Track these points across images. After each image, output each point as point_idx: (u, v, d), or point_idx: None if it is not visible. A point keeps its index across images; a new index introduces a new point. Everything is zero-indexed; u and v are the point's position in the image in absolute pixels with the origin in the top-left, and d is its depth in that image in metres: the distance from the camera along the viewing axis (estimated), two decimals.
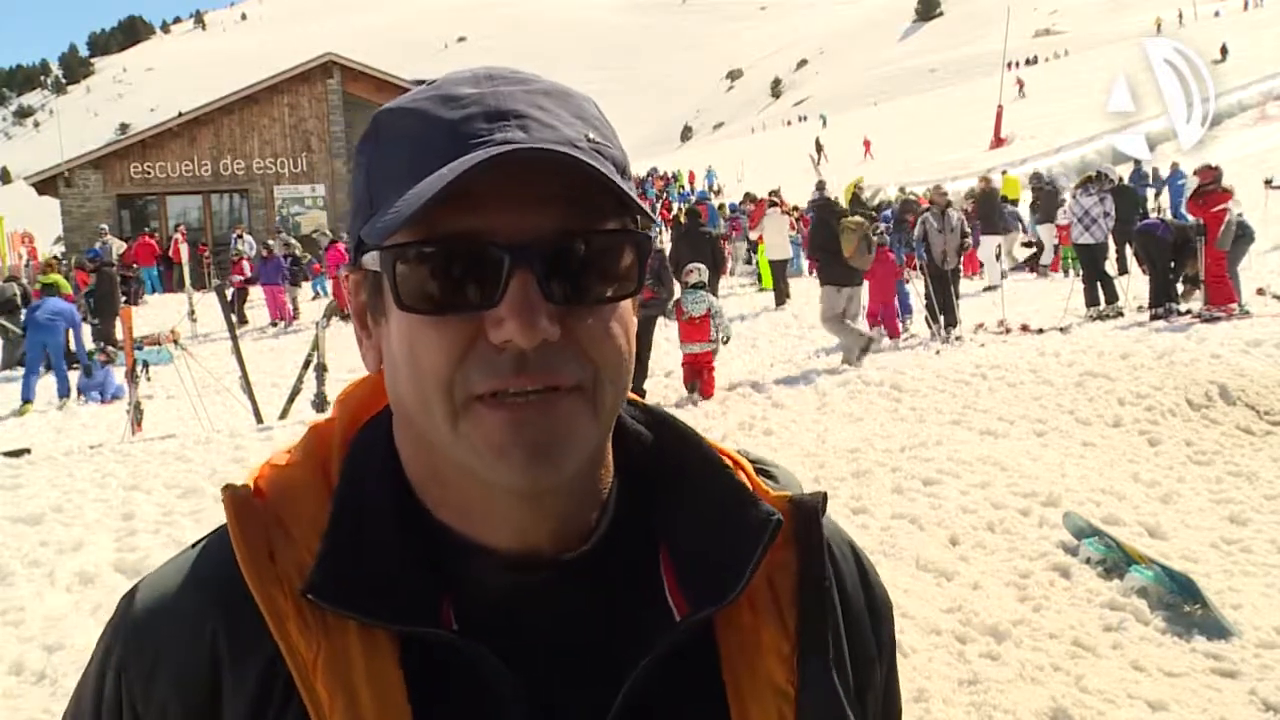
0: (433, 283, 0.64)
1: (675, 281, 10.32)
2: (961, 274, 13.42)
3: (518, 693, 0.65)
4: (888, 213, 14.36)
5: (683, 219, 16.17)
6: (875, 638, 0.79)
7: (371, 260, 0.67)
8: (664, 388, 9.76)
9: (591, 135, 0.67)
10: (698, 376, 9.05)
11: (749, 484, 0.75)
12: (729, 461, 0.76)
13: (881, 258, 12.24)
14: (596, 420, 0.66)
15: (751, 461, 0.79)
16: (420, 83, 0.72)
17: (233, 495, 0.71)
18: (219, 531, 0.72)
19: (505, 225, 0.63)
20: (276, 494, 0.72)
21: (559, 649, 0.68)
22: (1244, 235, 11.55)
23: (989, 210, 17.30)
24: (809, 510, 0.75)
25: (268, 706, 0.66)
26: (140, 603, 0.71)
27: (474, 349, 0.64)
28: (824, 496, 0.76)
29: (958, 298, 11.78)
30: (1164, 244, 11.49)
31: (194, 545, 0.74)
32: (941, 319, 11.37)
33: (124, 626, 0.71)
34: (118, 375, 12.17)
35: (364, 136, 0.71)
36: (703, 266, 9.92)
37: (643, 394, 8.98)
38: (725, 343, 9.64)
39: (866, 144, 47.08)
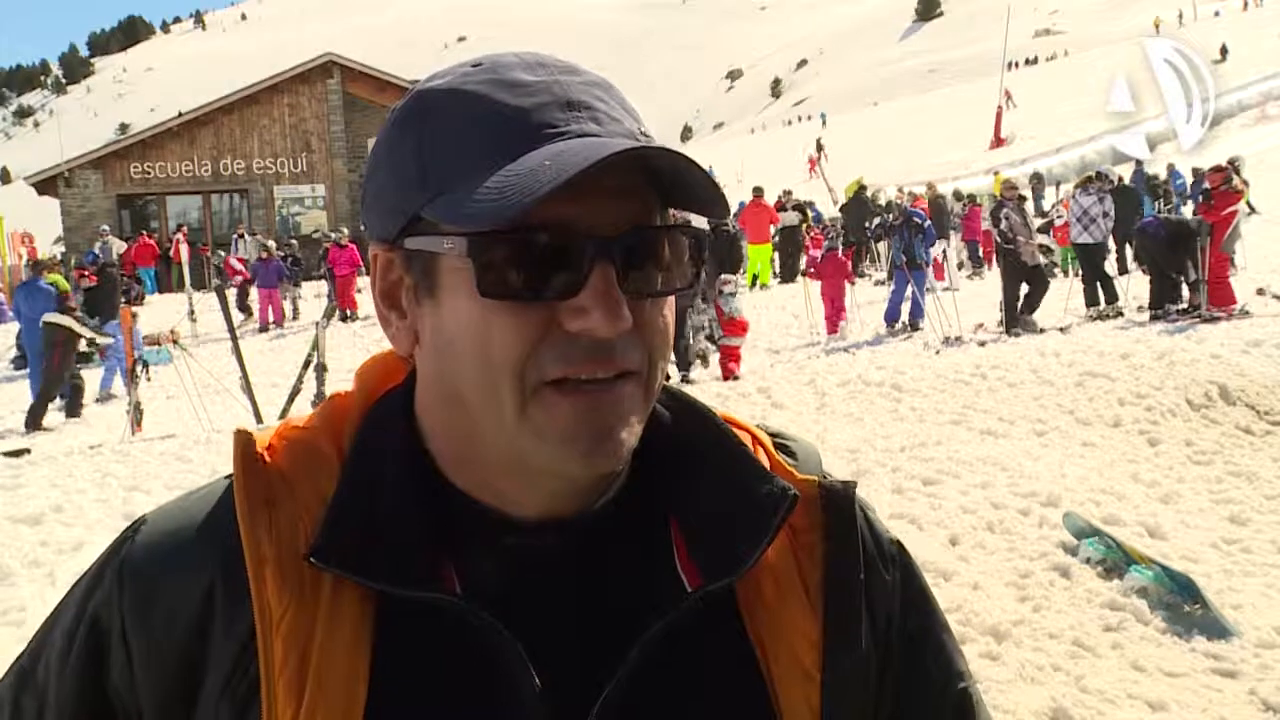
0: (517, 270, 0.64)
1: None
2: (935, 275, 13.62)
3: (520, 654, 0.66)
4: (889, 215, 14.41)
5: None
6: (882, 615, 0.77)
7: (428, 242, 0.67)
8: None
9: (643, 128, 0.69)
10: (729, 362, 10.24)
11: (767, 460, 0.76)
12: (747, 437, 0.78)
13: (833, 260, 13.16)
14: (647, 404, 0.69)
15: (771, 435, 0.79)
16: (415, 83, 0.72)
17: (241, 441, 0.72)
18: (230, 477, 0.73)
19: (587, 216, 0.64)
20: (289, 453, 0.73)
21: (564, 613, 0.69)
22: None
23: (938, 215, 17.92)
24: (842, 500, 0.76)
25: (246, 662, 0.67)
26: (145, 537, 0.72)
27: (548, 335, 0.65)
28: (853, 485, 0.77)
29: (1047, 289, 11.87)
30: (1158, 241, 11.49)
31: (205, 487, 0.75)
32: (1019, 315, 11.56)
33: (125, 557, 0.72)
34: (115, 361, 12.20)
35: (407, 114, 0.70)
36: (739, 278, 11.47)
37: (685, 378, 9.81)
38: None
39: (812, 161, 43.78)
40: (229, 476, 0.73)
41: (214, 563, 0.69)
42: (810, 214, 21.81)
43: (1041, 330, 11.30)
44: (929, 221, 13.72)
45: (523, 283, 0.64)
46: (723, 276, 10.86)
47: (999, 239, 11.80)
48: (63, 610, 0.75)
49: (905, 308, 12.77)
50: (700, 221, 0.71)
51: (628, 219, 0.65)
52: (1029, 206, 13.99)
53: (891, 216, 13.35)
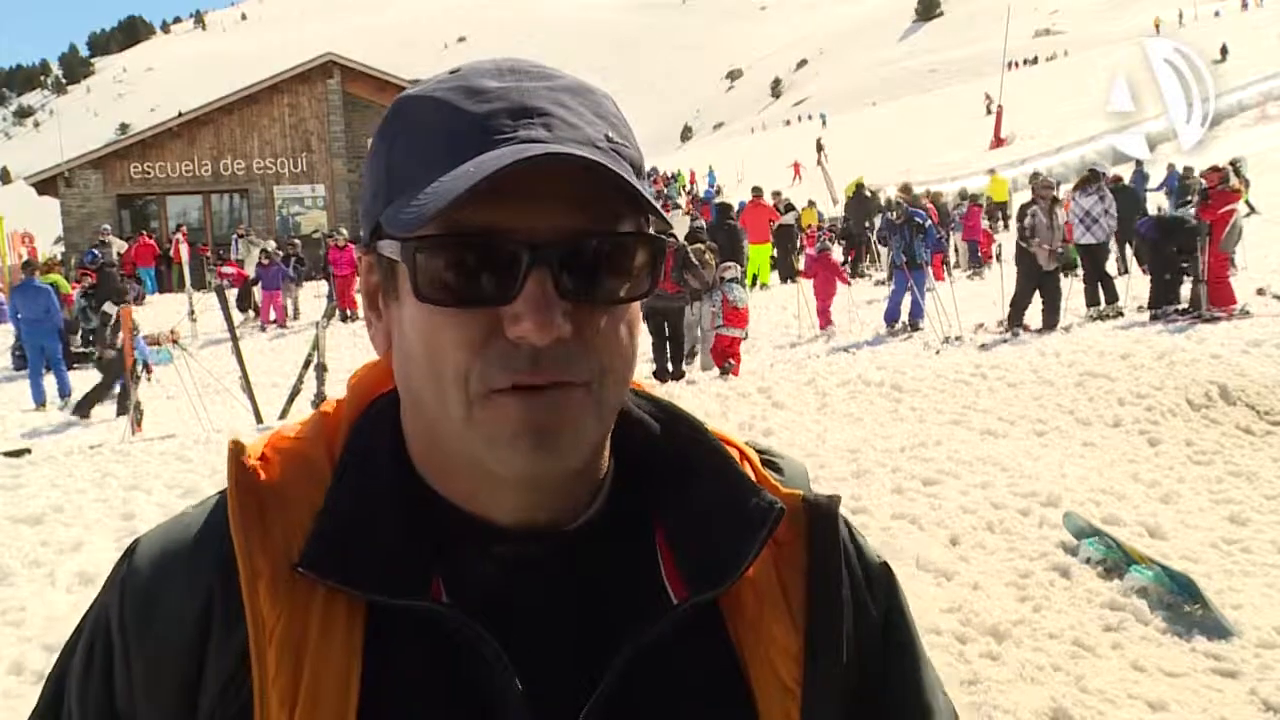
0: (452, 275, 0.64)
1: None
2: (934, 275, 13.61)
3: (505, 663, 0.66)
4: (890, 215, 14.42)
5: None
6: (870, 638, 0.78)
7: (388, 247, 0.68)
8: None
9: (611, 135, 0.68)
10: (728, 357, 10.15)
11: (754, 475, 0.76)
12: (735, 452, 0.77)
13: (823, 260, 13.77)
14: (599, 415, 0.68)
15: (759, 452, 0.79)
16: (414, 83, 0.73)
17: (235, 452, 0.73)
18: (224, 493, 0.73)
19: (525, 222, 0.64)
20: (280, 464, 0.73)
21: (549, 623, 0.69)
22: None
23: (861, 212, 18.38)
24: (826, 513, 0.76)
25: (241, 673, 0.67)
26: (142, 554, 0.72)
27: (490, 342, 0.65)
28: (837, 499, 0.77)
29: (1060, 296, 11.54)
30: (1150, 241, 11.49)
31: (199, 504, 0.76)
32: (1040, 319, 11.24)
33: (124, 575, 0.72)
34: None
35: (385, 121, 0.72)
36: (737, 265, 11.38)
37: (682, 374, 10.17)
38: (745, 336, 10.90)
39: (796, 166, 43.97)
40: (218, 495, 0.74)
41: (211, 576, 0.69)
42: (816, 211, 21.92)
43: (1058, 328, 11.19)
44: (930, 222, 13.74)
45: (456, 289, 0.64)
46: (724, 264, 10.90)
47: (1018, 236, 11.65)
48: (74, 642, 0.75)
49: (904, 307, 12.78)
50: (656, 228, 0.69)
51: (574, 225, 0.64)
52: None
53: (894, 215, 13.33)
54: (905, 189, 20.20)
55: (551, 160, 0.62)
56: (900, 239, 12.72)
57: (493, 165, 0.61)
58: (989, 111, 39.94)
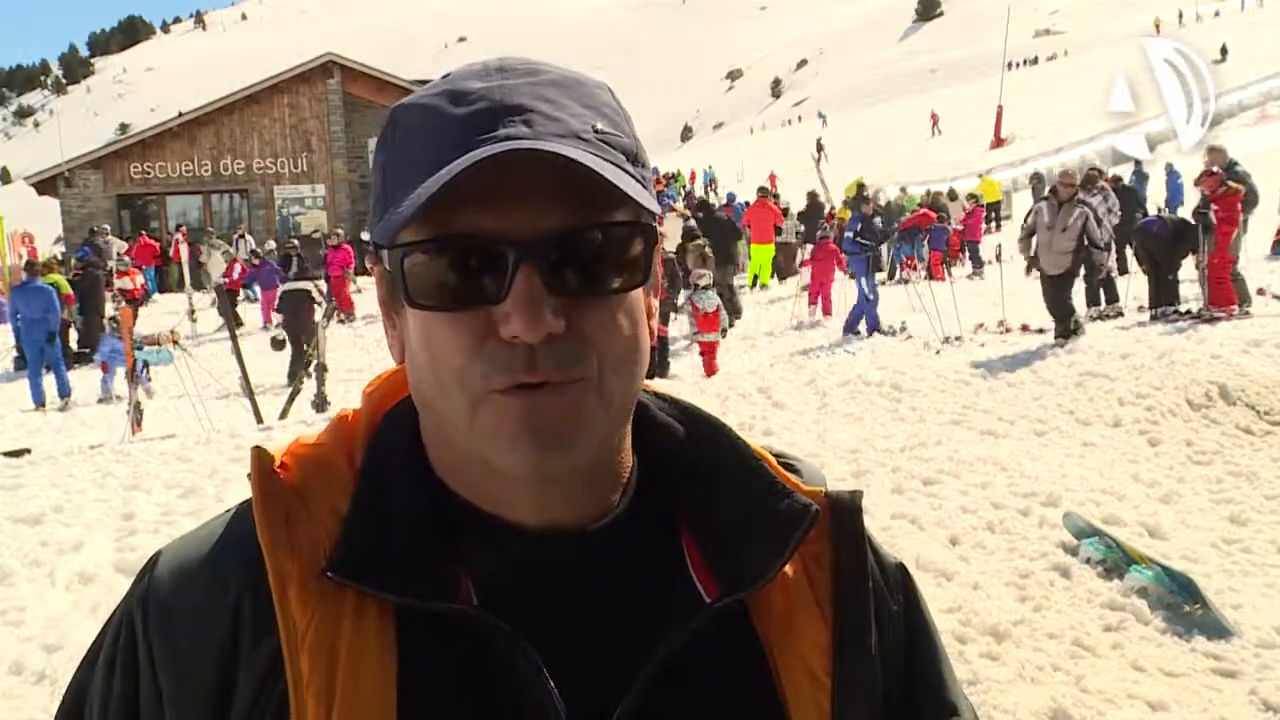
0: (440, 279, 0.65)
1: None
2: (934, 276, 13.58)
3: (536, 663, 0.66)
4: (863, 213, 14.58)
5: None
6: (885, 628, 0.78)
7: (384, 255, 0.68)
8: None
9: (599, 125, 0.67)
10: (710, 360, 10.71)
11: (778, 477, 0.76)
12: (757, 454, 0.78)
13: (824, 247, 14.45)
14: (604, 408, 0.67)
15: (775, 455, 0.80)
16: (420, 83, 0.72)
17: (259, 458, 0.73)
18: (247, 502, 0.73)
19: (510, 221, 0.63)
20: (301, 471, 0.73)
21: (578, 624, 0.69)
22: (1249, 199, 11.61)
23: (813, 222, 18.59)
24: (849, 507, 0.77)
25: (275, 679, 0.67)
26: (166, 563, 0.72)
27: (487, 343, 0.65)
28: (860, 494, 0.78)
29: (1058, 303, 10.18)
30: (1161, 240, 11.49)
31: (218, 516, 0.76)
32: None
33: (148, 585, 0.72)
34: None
35: (382, 132, 0.72)
36: (708, 272, 11.39)
37: (662, 375, 10.30)
38: (724, 334, 11.23)
39: (773, 178, 43.72)
40: (242, 504, 0.74)
41: (238, 582, 0.69)
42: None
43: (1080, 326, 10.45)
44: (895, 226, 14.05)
45: (445, 293, 0.65)
46: (697, 271, 11.06)
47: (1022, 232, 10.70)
48: (94, 654, 0.75)
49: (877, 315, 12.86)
50: (648, 217, 0.68)
51: (561, 219, 0.64)
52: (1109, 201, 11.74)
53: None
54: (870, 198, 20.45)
55: (517, 155, 0.61)
56: (898, 239, 12.77)
57: (458, 166, 0.61)
58: (933, 134, 39.01)
